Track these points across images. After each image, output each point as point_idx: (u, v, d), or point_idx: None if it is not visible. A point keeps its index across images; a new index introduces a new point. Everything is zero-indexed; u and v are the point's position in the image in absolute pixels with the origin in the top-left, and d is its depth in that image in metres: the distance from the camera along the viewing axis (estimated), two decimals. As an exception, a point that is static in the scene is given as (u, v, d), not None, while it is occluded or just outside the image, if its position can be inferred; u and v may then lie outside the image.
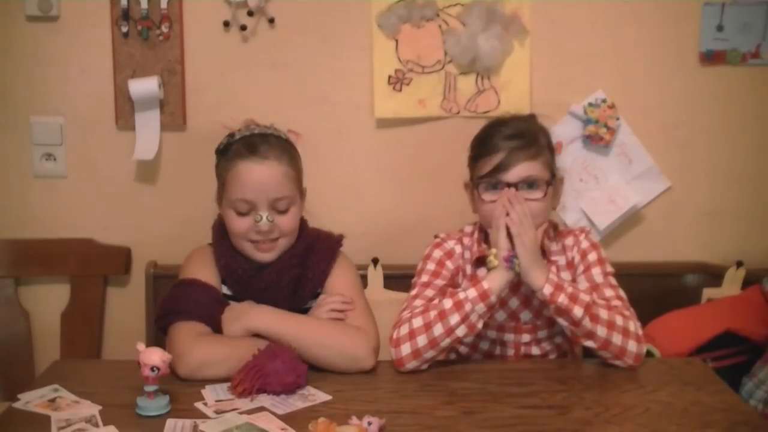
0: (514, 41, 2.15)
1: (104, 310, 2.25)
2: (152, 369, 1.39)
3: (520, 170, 1.66)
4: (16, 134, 2.19)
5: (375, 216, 2.22)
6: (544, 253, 1.69)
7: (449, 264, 1.76)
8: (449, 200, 1.98)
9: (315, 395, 1.48)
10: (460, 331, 1.59)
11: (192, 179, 2.17)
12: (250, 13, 2.12)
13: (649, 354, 1.72)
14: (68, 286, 2.22)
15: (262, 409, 1.42)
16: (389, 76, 2.16)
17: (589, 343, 1.61)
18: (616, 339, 1.59)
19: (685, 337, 1.95)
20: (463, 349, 1.79)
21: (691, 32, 2.16)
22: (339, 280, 1.73)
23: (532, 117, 1.78)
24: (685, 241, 2.24)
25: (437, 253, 1.77)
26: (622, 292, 1.69)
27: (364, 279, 2.10)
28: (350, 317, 1.66)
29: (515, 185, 1.65)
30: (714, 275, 2.18)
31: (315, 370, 1.56)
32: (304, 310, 1.70)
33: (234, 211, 1.67)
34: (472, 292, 1.59)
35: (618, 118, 2.17)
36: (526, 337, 1.75)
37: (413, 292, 1.73)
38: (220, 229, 1.73)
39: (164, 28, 2.13)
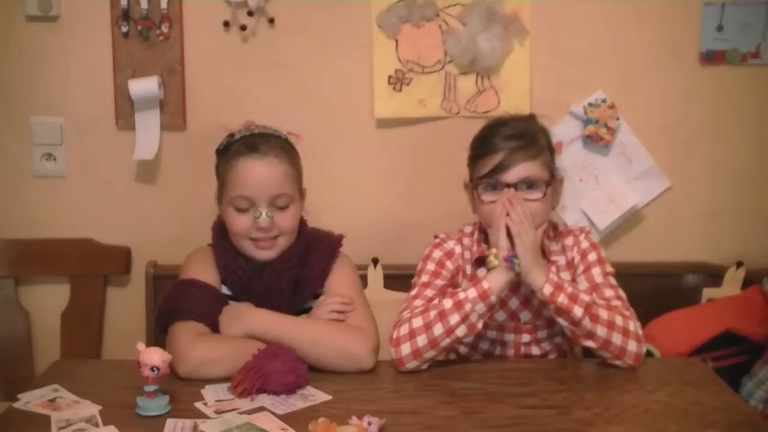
0: (514, 41, 2.15)
1: (104, 310, 2.25)
2: (152, 369, 1.39)
3: (519, 171, 1.66)
4: (16, 134, 2.19)
5: (375, 216, 2.22)
6: (544, 253, 1.69)
7: (449, 264, 1.76)
8: (449, 200, 1.97)
9: (315, 395, 1.48)
10: (460, 331, 1.59)
11: (192, 179, 2.17)
12: (250, 13, 2.12)
13: (649, 354, 1.72)
14: (68, 286, 2.23)
15: (262, 409, 1.42)
16: (389, 76, 2.16)
17: (589, 343, 1.61)
18: (616, 339, 1.59)
19: (685, 337, 1.95)
20: (463, 349, 1.79)
21: (691, 32, 2.16)
22: (339, 280, 1.73)
23: (532, 117, 1.78)
24: (685, 241, 2.25)
25: (437, 254, 1.77)
26: (621, 292, 1.69)
27: (364, 279, 2.10)
28: (350, 317, 1.66)
29: (515, 186, 1.65)
30: (714, 275, 2.18)
31: (315, 371, 1.56)
32: (304, 311, 1.70)
33: (234, 209, 1.67)
34: (472, 292, 1.59)
35: (618, 118, 2.17)
36: (526, 337, 1.75)
37: (413, 292, 1.73)
38: (220, 230, 1.73)
39: (164, 28, 2.13)
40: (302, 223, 1.75)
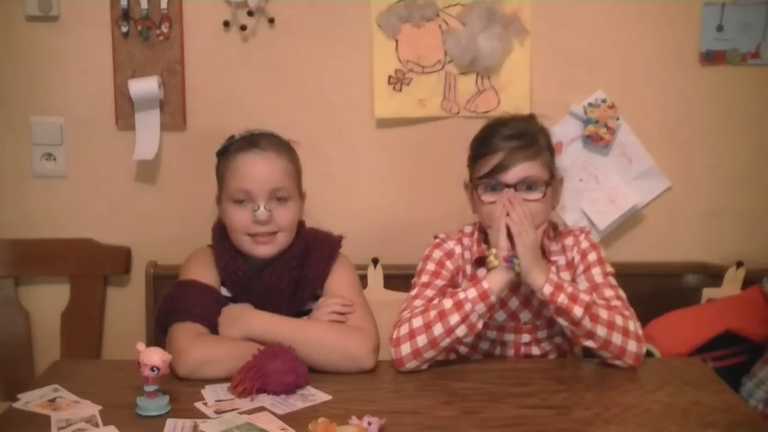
0: (514, 41, 2.15)
1: (104, 310, 2.25)
2: (152, 369, 1.39)
3: (519, 171, 1.66)
4: (16, 134, 2.19)
5: (375, 216, 2.22)
6: (544, 253, 1.69)
7: (449, 264, 1.76)
8: (449, 200, 1.97)
9: (315, 395, 1.48)
10: (460, 331, 1.59)
11: (192, 179, 2.17)
12: (250, 13, 2.12)
13: (649, 354, 1.72)
14: (68, 286, 2.22)
15: (262, 409, 1.42)
16: (389, 76, 2.16)
17: (589, 343, 1.61)
18: (616, 339, 1.59)
19: (685, 337, 1.95)
20: (463, 349, 1.79)
21: (691, 32, 2.16)
22: (338, 281, 1.73)
23: (531, 117, 1.78)
24: (685, 241, 2.24)
25: (437, 254, 1.77)
26: (621, 292, 1.69)
27: (364, 279, 2.10)
28: (350, 318, 1.66)
29: (514, 186, 1.65)
30: (714, 275, 2.18)
31: (315, 371, 1.56)
32: (304, 312, 1.70)
33: (232, 203, 1.67)
34: (472, 292, 1.59)
35: (618, 118, 2.17)
36: (525, 338, 1.75)
37: (413, 292, 1.73)
38: (220, 231, 1.73)
39: (164, 28, 2.13)
40: (301, 224, 1.75)
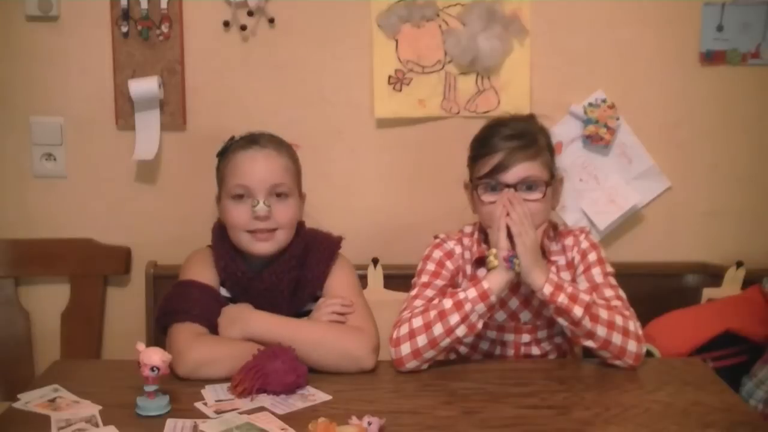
0: (514, 41, 2.15)
1: (104, 310, 2.25)
2: (152, 369, 1.39)
3: (519, 171, 1.66)
4: (16, 134, 2.19)
5: (375, 216, 2.22)
6: (544, 253, 1.69)
7: (449, 264, 1.76)
8: (449, 200, 1.97)
9: (315, 395, 1.48)
10: (460, 331, 1.59)
11: (192, 179, 2.17)
12: (250, 13, 2.12)
13: (649, 354, 1.72)
14: (68, 286, 2.22)
15: (262, 409, 1.42)
16: (389, 76, 2.16)
17: (589, 343, 1.61)
18: (616, 339, 1.59)
19: (685, 337, 1.95)
20: (463, 349, 1.79)
21: (691, 32, 2.16)
22: (338, 282, 1.73)
23: (531, 117, 1.78)
24: (685, 241, 2.24)
25: (437, 254, 1.77)
26: (621, 292, 1.69)
27: (364, 279, 2.10)
28: (350, 318, 1.66)
29: (514, 186, 1.65)
30: (714, 275, 2.18)
31: (315, 371, 1.56)
32: (303, 313, 1.70)
33: (232, 200, 1.67)
34: (472, 292, 1.59)
35: (618, 118, 2.17)
36: (526, 338, 1.75)
37: (413, 292, 1.73)
38: (220, 231, 1.74)
39: (164, 28, 2.13)
40: (300, 224, 1.75)
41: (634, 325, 1.61)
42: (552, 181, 1.71)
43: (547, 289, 1.58)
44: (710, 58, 2.17)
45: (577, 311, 1.57)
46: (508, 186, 1.65)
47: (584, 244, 1.75)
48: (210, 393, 1.48)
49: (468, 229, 1.81)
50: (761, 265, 2.15)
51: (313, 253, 1.73)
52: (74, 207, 2.22)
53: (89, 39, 2.15)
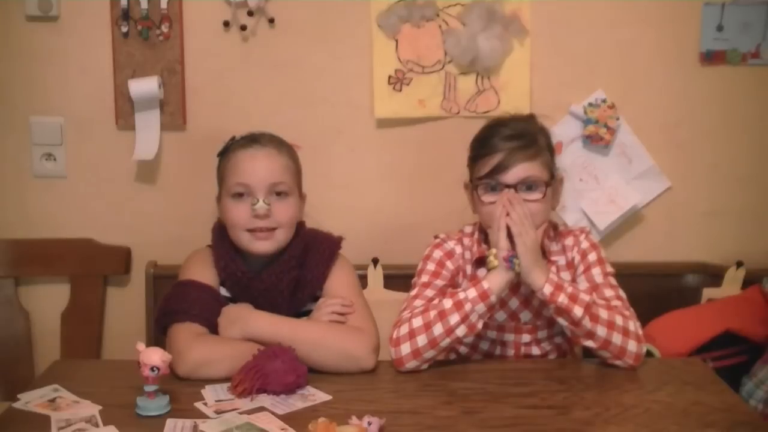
0: (514, 41, 2.15)
1: (104, 310, 2.25)
2: (152, 369, 1.39)
3: (519, 171, 1.66)
4: (16, 134, 2.19)
5: (375, 216, 2.22)
6: (545, 253, 1.69)
7: (449, 264, 1.76)
8: (449, 200, 1.97)
9: (315, 395, 1.48)
10: (460, 331, 1.59)
11: (192, 179, 2.17)
12: (250, 13, 2.12)
13: (649, 354, 1.72)
14: (68, 286, 2.22)
15: (262, 409, 1.42)
16: (389, 76, 2.16)
17: (589, 343, 1.61)
18: (616, 339, 1.59)
19: (685, 337, 1.95)
20: (463, 349, 1.79)
21: (691, 32, 2.16)
22: (338, 282, 1.73)
23: (531, 117, 1.78)
24: (685, 241, 2.24)
25: (437, 254, 1.77)
26: (621, 292, 1.69)
27: (364, 279, 2.10)
28: (350, 318, 1.66)
29: (514, 186, 1.65)
30: (714, 275, 2.18)
31: (315, 371, 1.56)
32: (303, 313, 1.70)
33: (231, 198, 1.67)
34: (472, 292, 1.59)
35: (618, 118, 2.17)
36: (526, 338, 1.75)
37: (413, 292, 1.73)
38: (220, 231, 1.74)
39: (164, 28, 2.13)
40: (301, 224, 1.75)
41: (634, 325, 1.61)
42: (552, 182, 1.71)
43: (547, 289, 1.58)
44: (710, 58, 2.17)
45: (577, 311, 1.57)
46: (508, 186, 1.65)
47: (584, 244, 1.75)
48: (210, 393, 1.48)
49: (468, 229, 1.81)
50: (761, 265, 2.14)
51: (313, 253, 1.73)
52: (74, 207, 2.22)
53: (89, 39, 2.15)
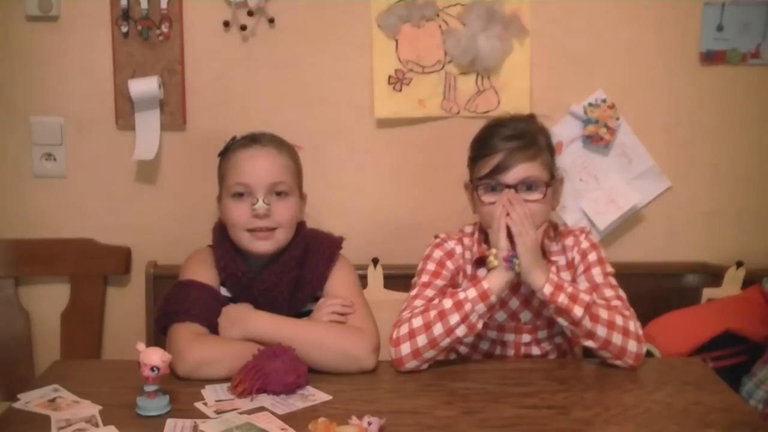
0: (514, 41, 2.15)
1: (104, 310, 2.25)
2: (152, 369, 1.39)
3: (519, 171, 1.66)
4: (16, 134, 2.19)
5: (375, 216, 2.22)
6: (545, 253, 1.69)
7: (449, 264, 1.76)
8: (449, 200, 1.98)
9: (315, 395, 1.48)
10: (460, 331, 1.59)
11: (192, 179, 2.17)
12: (250, 13, 2.12)
13: (649, 354, 1.72)
14: (68, 286, 2.22)
15: (262, 409, 1.42)
16: (389, 76, 2.16)
17: (589, 343, 1.61)
18: (616, 339, 1.59)
19: (685, 337, 1.95)
20: (463, 349, 1.79)
21: (691, 32, 2.16)
22: (338, 283, 1.73)
23: (531, 117, 1.78)
24: (685, 241, 2.24)
25: (437, 254, 1.77)
26: (621, 292, 1.69)
27: (364, 279, 2.10)
28: (350, 318, 1.66)
29: (514, 187, 1.65)
30: (714, 275, 2.18)
31: (315, 371, 1.56)
32: (303, 314, 1.70)
33: (231, 198, 1.67)
34: (472, 292, 1.59)
35: (618, 118, 2.17)
36: (526, 338, 1.75)
37: (413, 292, 1.73)
38: (221, 231, 1.74)
39: (164, 28, 2.13)
40: (301, 224, 1.75)
41: (634, 325, 1.61)
42: (552, 182, 1.71)
43: (547, 289, 1.58)
44: (710, 58, 2.17)
45: (577, 311, 1.57)
46: (508, 186, 1.65)
47: (584, 244, 1.75)
48: (210, 393, 1.48)
49: (468, 229, 1.81)
50: (761, 265, 2.14)
51: (313, 253, 1.73)
52: (74, 207, 2.22)
53: (89, 39, 2.15)
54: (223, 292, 1.71)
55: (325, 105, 2.18)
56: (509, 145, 1.66)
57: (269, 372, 1.47)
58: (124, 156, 2.17)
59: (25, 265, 2.22)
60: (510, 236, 1.61)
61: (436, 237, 1.81)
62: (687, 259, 2.24)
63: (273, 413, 1.40)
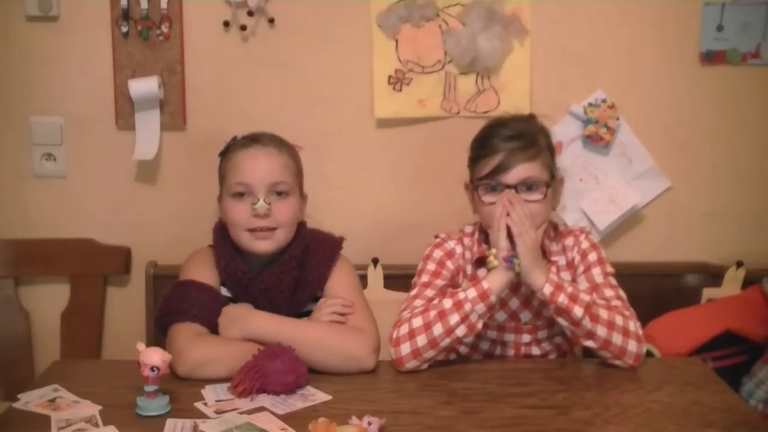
0: (514, 41, 2.15)
1: (104, 310, 2.25)
2: (152, 369, 1.39)
3: (519, 172, 1.66)
4: (16, 134, 2.19)
5: (375, 216, 2.22)
6: (545, 253, 1.69)
7: (449, 264, 1.76)
8: (449, 200, 1.98)
9: (315, 395, 1.48)
10: (460, 331, 1.59)
11: (192, 179, 2.17)
12: (250, 13, 2.12)
13: (649, 354, 1.72)
14: (68, 286, 2.22)
15: (262, 409, 1.42)
16: (389, 76, 2.16)
17: (589, 343, 1.61)
18: (616, 339, 1.59)
19: (685, 337, 1.95)
20: (463, 349, 1.79)
21: (691, 32, 2.16)
22: (339, 283, 1.73)
23: (531, 117, 1.78)
24: (685, 241, 2.24)
25: (437, 253, 1.77)
26: (622, 292, 1.69)
27: (363, 279, 2.10)
28: (350, 318, 1.66)
29: (514, 187, 1.65)
30: (714, 275, 2.18)
31: (315, 371, 1.56)
32: (303, 314, 1.70)
33: (232, 197, 1.67)
34: (471, 292, 1.59)
35: (618, 118, 2.17)
36: (526, 338, 1.75)
37: (413, 292, 1.73)
38: (221, 231, 1.74)
39: (164, 28, 2.13)
40: (301, 224, 1.75)
41: (634, 325, 1.61)
42: (552, 182, 1.71)
43: (547, 289, 1.58)
44: (710, 58, 2.17)
45: (578, 311, 1.57)
46: (508, 186, 1.65)
47: (584, 245, 1.75)
48: (210, 393, 1.48)
49: (468, 229, 1.81)
50: (761, 265, 2.15)
51: (313, 253, 1.73)
52: (74, 207, 2.22)
53: (89, 39, 2.15)
54: (224, 292, 1.71)
55: (325, 105, 2.18)
56: (509, 145, 1.66)
57: (269, 372, 1.47)
58: (124, 156, 2.17)
59: (25, 265, 2.22)
60: (510, 236, 1.61)
61: (436, 237, 1.81)
62: (687, 259, 2.24)
63: (273, 413, 1.40)
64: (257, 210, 1.65)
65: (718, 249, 2.23)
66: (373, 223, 2.22)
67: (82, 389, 1.49)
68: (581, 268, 1.73)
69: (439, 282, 1.73)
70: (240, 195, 1.67)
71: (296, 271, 1.70)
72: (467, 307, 1.58)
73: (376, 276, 2.17)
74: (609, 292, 1.67)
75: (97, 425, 1.36)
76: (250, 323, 1.60)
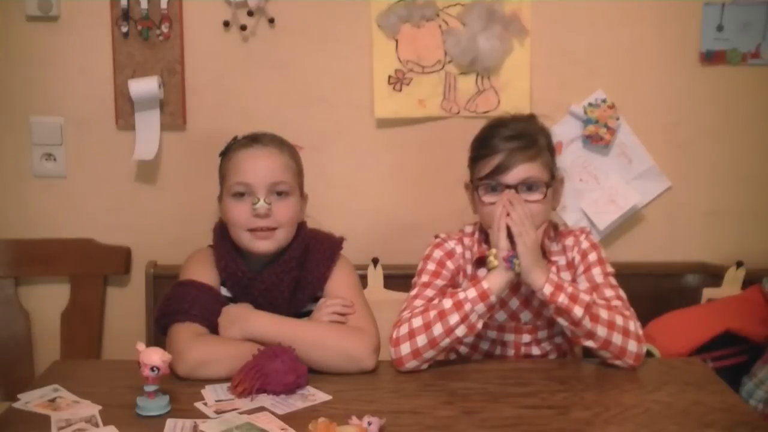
0: (514, 41, 2.15)
1: (104, 310, 2.25)
2: (152, 369, 1.39)
3: (519, 172, 1.65)
4: (16, 134, 2.19)
5: (375, 216, 2.22)
6: (545, 253, 1.69)
7: (450, 264, 1.76)
8: (449, 200, 1.98)
9: (315, 395, 1.48)
10: (460, 331, 1.59)
11: (192, 179, 2.17)
12: (250, 13, 2.12)
13: (649, 354, 1.72)
14: (68, 286, 2.22)
15: (262, 409, 1.42)
16: (389, 76, 2.16)
17: (589, 343, 1.61)
18: (616, 339, 1.59)
19: (685, 337, 1.95)
20: (463, 349, 1.79)
21: (691, 32, 2.16)
22: (339, 283, 1.73)
23: (531, 117, 1.78)
24: (685, 241, 2.24)
25: (437, 253, 1.77)
26: (622, 292, 1.69)
27: (363, 279, 2.10)
28: (351, 319, 1.66)
29: (515, 187, 1.65)
30: (714, 275, 2.18)
31: (315, 371, 1.56)
32: (303, 314, 1.70)
33: (232, 197, 1.67)
34: (471, 292, 1.59)
35: (618, 118, 2.17)
36: (526, 338, 1.75)
37: (413, 292, 1.73)
38: (221, 231, 1.74)
39: (164, 28, 2.13)
40: (302, 224, 1.75)
41: (634, 325, 1.61)
42: (552, 182, 1.71)
43: (548, 289, 1.58)
44: (710, 58, 2.17)
45: (578, 311, 1.57)
46: (508, 187, 1.65)
47: (584, 245, 1.75)
48: (210, 393, 1.48)
49: (468, 229, 1.81)
50: (761, 265, 2.15)
51: (313, 253, 1.73)
52: (74, 207, 2.22)
53: (89, 39, 2.15)
54: (224, 292, 1.71)
55: (325, 105, 2.18)
56: (509, 145, 1.66)
57: (269, 372, 1.47)
58: (124, 156, 2.17)
59: (25, 265, 2.22)
60: (510, 236, 1.61)
61: (436, 237, 1.81)
62: (687, 259, 2.24)
63: (273, 413, 1.40)
64: (257, 210, 1.65)
65: (718, 249, 2.23)
66: (373, 223, 2.22)
67: (82, 389, 1.49)
68: (581, 268, 1.73)
69: (439, 282, 1.73)
70: (240, 195, 1.67)
71: (296, 271, 1.70)
72: (467, 307, 1.58)
73: (376, 276, 2.17)
74: (609, 292, 1.67)
75: (97, 425, 1.36)
76: (250, 323, 1.60)
